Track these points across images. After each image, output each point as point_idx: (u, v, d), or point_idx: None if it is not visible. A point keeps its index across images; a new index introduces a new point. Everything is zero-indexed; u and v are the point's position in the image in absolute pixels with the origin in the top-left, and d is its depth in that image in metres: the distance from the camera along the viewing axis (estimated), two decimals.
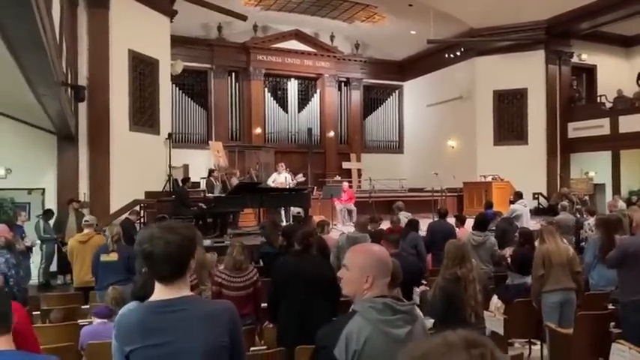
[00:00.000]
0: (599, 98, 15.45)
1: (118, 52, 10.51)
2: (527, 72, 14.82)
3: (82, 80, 9.80)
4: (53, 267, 9.34)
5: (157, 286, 1.65)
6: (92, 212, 9.89)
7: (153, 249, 1.60)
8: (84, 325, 4.36)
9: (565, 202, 9.28)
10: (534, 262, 4.67)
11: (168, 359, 1.58)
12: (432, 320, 4.03)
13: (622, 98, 14.20)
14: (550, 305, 4.50)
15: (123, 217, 9.18)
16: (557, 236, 4.79)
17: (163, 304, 1.61)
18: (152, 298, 1.65)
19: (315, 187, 13.34)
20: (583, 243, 7.28)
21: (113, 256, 5.64)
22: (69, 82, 8.21)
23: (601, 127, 14.11)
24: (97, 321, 4.19)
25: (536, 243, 5.90)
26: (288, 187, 11.13)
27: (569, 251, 4.76)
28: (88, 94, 9.67)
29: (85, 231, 6.46)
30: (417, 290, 4.10)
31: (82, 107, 9.92)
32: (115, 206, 9.99)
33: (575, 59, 15.49)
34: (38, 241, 8.75)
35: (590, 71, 16.36)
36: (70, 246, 6.56)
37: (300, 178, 12.23)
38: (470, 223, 7.62)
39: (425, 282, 5.17)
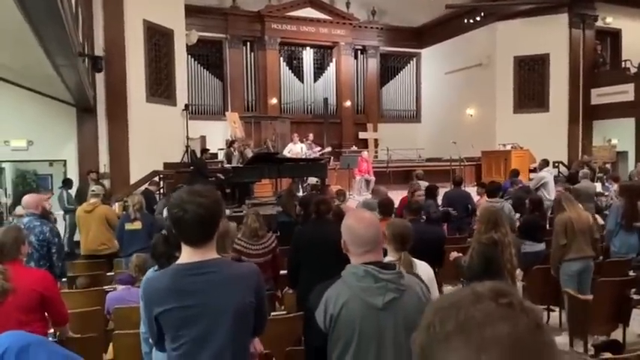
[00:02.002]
0: (623, 63, 14.95)
1: (132, 23, 10.46)
2: (550, 37, 14.38)
3: (99, 51, 9.81)
4: (76, 236, 9.59)
5: (186, 249, 1.68)
6: (112, 183, 10.10)
7: (184, 213, 1.62)
8: (109, 292, 4.49)
9: (586, 170, 9.11)
10: (555, 230, 4.62)
11: (199, 319, 1.62)
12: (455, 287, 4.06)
13: None
14: (570, 273, 4.48)
15: (142, 187, 9.31)
16: (576, 203, 4.73)
17: (193, 267, 1.65)
18: (181, 261, 1.69)
19: (332, 158, 13.32)
20: (606, 211, 7.17)
21: (137, 225, 5.77)
22: (85, 52, 8.23)
23: (625, 92, 13.71)
24: (120, 287, 4.31)
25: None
26: (305, 157, 11.14)
27: (590, 218, 4.70)
28: (104, 65, 9.69)
29: (92, 200, 6.53)
30: (452, 255, 4.11)
31: (100, 79, 9.97)
32: (134, 177, 10.14)
33: (599, 23, 14.95)
34: (60, 212, 8.96)
35: (614, 35, 15.80)
36: (77, 216, 6.66)
37: (327, 150, 12.34)
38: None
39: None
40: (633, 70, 14.10)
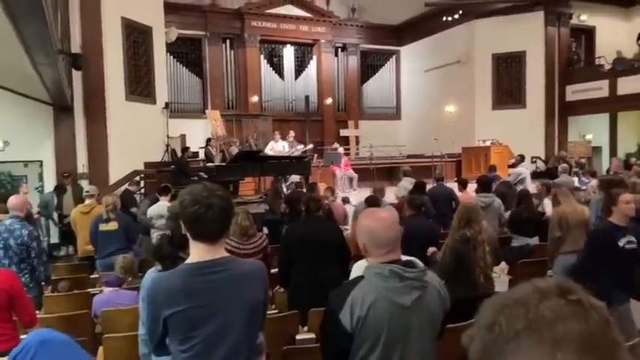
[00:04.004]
0: (597, 60, 15.33)
1: (110, 20, 10.26)
2: (526, 34, 14.64)
3: (76, 49, 9.60)
4: (54, 239, 9.41)
5: (199, 247, 1.66)
6: (91, 183, 9.88)
7: (206, 209, 1.61)
8: (95, 294, 4.41)
9: (565, 165, 9.31)
10: (550, 223, 4.71)
11: (213, 318, 1.61)
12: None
13: (621, 59, 14.11)
14: (565, 267, 4.56)
15: (122, 187, 9.17)
16: (571, 197, 4.82)
17: (207, 265, 1.63)
18: (192, 260, 1.67)
19: (315, 155, 13.32)
20: (584, 205, 7.33)
21: (112, 225, 5.65)
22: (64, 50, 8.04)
23: (599, 89, 14.05)
24: (107, 289, 4.23)
25: (545, 205, 5.96)
26: (287, 154, 11.11)
27: (585, 212, 4.80)
28: (82, 63, 9.50)
29: (87, 202, 6.47)
30: (429, 251, 4.15)
31: (77, 77, 9.76)
32: (114, 177, 9.96)
33: (574, 20, 15.28)
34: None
35: (589, 32, 16.17)
36: (72, 217, 6.59)
37: (309, 147, 12.32)
38: (471, 187, 7.69)
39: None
40: (607, 67, 14.46)
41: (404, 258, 2.97)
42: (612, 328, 0.60)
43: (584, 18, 15.48)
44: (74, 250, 7.38)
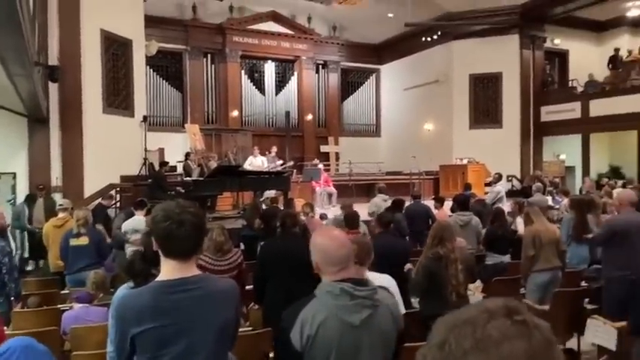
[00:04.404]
0: (570, 82, 15.79)
1: (89, 32, 10.18)
2: (502, 56, 15.01)
3: (53, 61, 9.49)
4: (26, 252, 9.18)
5: (170, 264, 1.64)
6: (65, 196, 9.69)
7: (178, 226, 1.60)
8: (65, 310, 4.31)
9: (539, 184, 9.51)
10: (524, 242, 4.79)
11: (182, 337, 1.58)
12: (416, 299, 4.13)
13: (593, 82, 14.54)
14: (539, 284, 4.64)
15: (96, 202, 9.01)
16: (543, 216, 4.93)
17: (178, 283, 1.61)
18: (163, 278, 1.65)
19: (295, 171, 13.33)
20: (557, 224, 7.49)
21: (83, 240, 5.55)
22: (41, 62, 7.95)
23: (572, 110, 14.45)
24: (77, 306, 4.14)
25: (517, 224, 6.06)
26: (266, 169, 11.10)
27: (556, 231, 4.90)
28: (59, 75, 9.39)
29: (60, 215, 6.35)
30: (406, 267, 4.18)
31: (53, 89, 9.62)
32: (89, 190, 9.79)
33: (548, 44, 15.76)
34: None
35: (562, 56, 16.68)
36: (45, 231, 6.44)
37: (289, 163, 12.32)
38: (448, 204, 7.79)
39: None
40: (580, 89, 14.90)
41: (377, 275, 3.00)
42: (555, 347, 0.63)
43: (557, 42, 15.98)
44: (45, 264, 7.19)
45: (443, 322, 0.68)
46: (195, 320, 1.60)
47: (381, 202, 8.17)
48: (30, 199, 8.84)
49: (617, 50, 15.32)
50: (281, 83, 17.84)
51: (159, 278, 1.65)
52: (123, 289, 2.36)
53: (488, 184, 12.08)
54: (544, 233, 4.68)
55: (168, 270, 1.65)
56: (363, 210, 7.39)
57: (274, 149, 12.61)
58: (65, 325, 3.93)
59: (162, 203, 1.71)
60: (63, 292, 5.48)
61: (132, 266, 2.43)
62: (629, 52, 15.55)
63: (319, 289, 1.75)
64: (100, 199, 8.70)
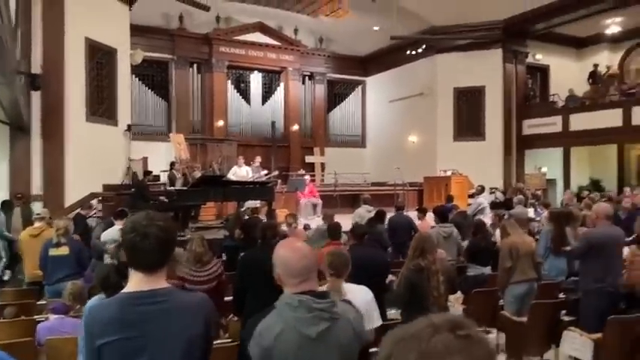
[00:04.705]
0: (551, 97, 16.09)
1: (73, 41, 10.13)
2: (485, 70, 15.24)
3: (36, 69, 9.41)
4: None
5: (137, 276, 1.64)
6: (46, 206, 9.56)
7: (142, 238, 1.59)
8: (40, 321, 4.24)
9: (521, 197, 9.63)
10: (501, 254, 4.84)
11: (146, 351, 1.57)
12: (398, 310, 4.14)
13: (573, 97, 14.84)
14: (515, 296, 4.68)
15: (76, 211, 8.90)
16: (519, 229, 4.99)
17: (145, 295, 1.60)
18: (130, 289, 1.64)
19: (279, 181, 13.32)
20: (538, 236, 7.59)
21: (63, 250, 5.48)
22: (22, 70, 7.89)
23: (554, 124, 14.71)
24: (53, 317, 4.08)
25: (497, 236, 6.12)
26: (251, 180, 11.07)
27: (532, 243, 4.97)
28: (42, 83, 9.32)
29: (37, 224, 6.27)
30: (388, 279, 4.20)
31: (36, 97, 9.53)
32: (71, 199, 9.68)
33: (530, 59, 16.04)
34: None
35: (544, 71, 17.00)
36: (21, 240, 6.34)
37: (274, 173, 12.28)
38: (431, 215, 7.85)
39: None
40: (560, 104, 15.19)
41: (353, 286, 3.01)
42: None
43: (539, 57, 16.29)
44: (21, 273, 7.05)
45: (390, 335, 0.70)
46: (160, 334, 1.58)
47: (365, 212, 8.19)
48: (7, 207, 8.68)
49: (596, 66, 15.69)
50: (267, 94, 17.89)
51: (126, 290, 1.64)
52: (94, 300, 2.34)
53: (471, 196, 12.19)
54: (520, 245, 4.74)
55: (136, 282, 1.64)
56: (347, 221, 7.40)
57: (258, 159, 12.59)
58: (40, 336, 3.87)
59: (135, 214, 1.71)
60: (40, 302, 5.39)
61: (106, 280, 2.41)
62: (608, 68, 15.94)
63: (279, 301, 1.75)
64: (79, 209, 8.59)
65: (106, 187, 10.61)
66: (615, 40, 16.36)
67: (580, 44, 16.91)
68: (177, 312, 1.62)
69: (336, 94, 19.75)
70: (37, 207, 9.46)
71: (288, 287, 1.77)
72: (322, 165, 18.22)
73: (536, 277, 4.80)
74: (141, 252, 1.60)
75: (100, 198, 10.14)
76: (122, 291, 1.66)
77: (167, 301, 1.61)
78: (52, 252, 5.47)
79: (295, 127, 17.97)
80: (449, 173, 14.10)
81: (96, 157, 10.29)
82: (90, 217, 8.81)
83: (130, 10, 12.20)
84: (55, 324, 3.98)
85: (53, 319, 4.04)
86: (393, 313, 5.09)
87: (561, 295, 5.11)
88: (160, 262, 1.65)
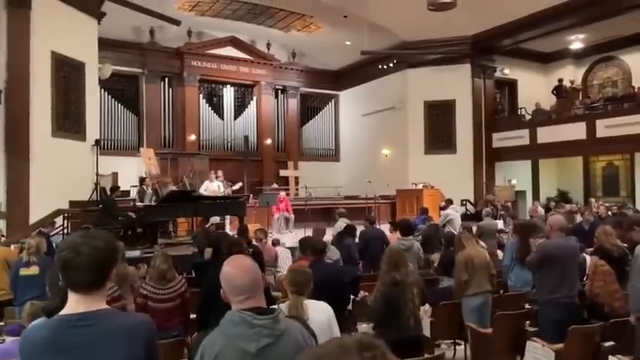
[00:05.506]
0: (519, 110, 16.50)
1: (39, 54, 9.94)
2: (455, 84, 15.54)
3: (0, 83, 9.19)
4: None
5: (73, 297, 1.58)
6: (9, 223, 9.30)
7: (74, 255, 1.54)
8: None
9: (489, 209, 9.79)
10: (457, 266, 4.88)
11: None
12: (369, 325, 4.12)
13: (540, 111, 15.25)
14: (471, 308, 4.72)
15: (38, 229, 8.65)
16: (474, 241, 5.05)
17: (79, 318, 1.54)
18: (65, 312, 1.58)
19: (252, 195, 13.24)
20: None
21: (33, 270, 5.33)
22: None
23: (522, 137, 15.06)
24: (10, 339, 3.93)
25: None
26: (222, 195, 10.97)
27: (487, 255, 5.04)
28: (5, 97, 9.13)
29: None
30: (360, 295, 4.19)
31: None
32: (35, 216, 9.41)
33: (498, 73, 16.45)
34: None
35: (511, 85, 17.44)
36: None
37: (237, 186, 12.09)
38: None
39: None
40: (528, 117, 15.59)
41: (313, 302, 2.99)
42: None
43: (507, 72, 16.72)
44: None
45: (304, 357, 0.69)
46: (95, 357, 1.53)
47: (344, 225, 8.17)
48: None
49: (560, 80, 16.18)
50: (240, 108, 17.86)
51: (63, 312, 1.58)
52: (34, 323, 2.25)
53: (443, 209, 12.33)
54: (476, 258, 4.80)
55: (71, 304, 1.58)
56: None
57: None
58: None
59: (75, 233, 1.66)
60: None
61: (61, 304, 2.30)
62: (572, 82, 16.46)
63: (223, 319, 1.75)
64: (40, 227, 8.34)
65: (73, 204, 10.36)
66: (579, 56, 16.94)
67: (546, 59, 17.44)
68: (113, 335, 1.56)
69: (310, 108, 19.85)
70: (1, 224, 9.20)
71: (234, 304, 1.78)
72: (296, 179, 18.20)
73: (491, 290, 4.86)
74: (72, 270, 1.55)
75: (67, 215, 9.89)
76: (59, 313, 1.60)
77: (99, 324, 1.55)
78: (22, 272, 5.33)
79: (268, 141, 17.96)
80: (420, 186, 14.26)
81: (62, 172, 10.06)
82: (53, 235, 8.56)
83: (99, 24, 12.07)
84: (12, 347, 3.83)
85: (9, 342, 3.90)
86: (364, 327, 5.09)
87: (527, 306, 5.18)
88: (95, 283, 1.59)
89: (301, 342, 1.79)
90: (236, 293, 1.77)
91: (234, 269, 1.81)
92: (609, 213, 10.01)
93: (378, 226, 8.63)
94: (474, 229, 7.74)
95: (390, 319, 3.73)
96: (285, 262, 6.90)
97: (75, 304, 1.57)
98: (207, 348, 1.70)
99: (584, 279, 5.31)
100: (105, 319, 1.57)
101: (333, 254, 5.99)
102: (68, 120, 10.89)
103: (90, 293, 1.57)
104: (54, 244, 7.71)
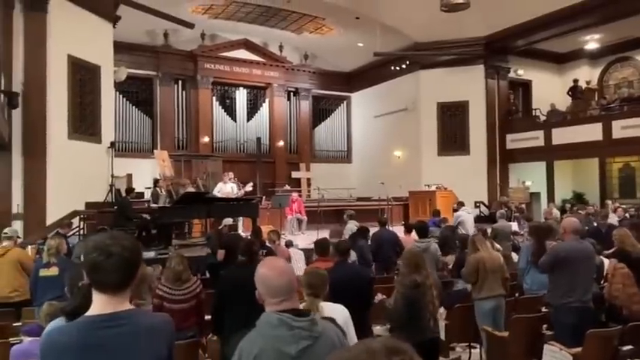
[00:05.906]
0: (534, 111, 16.33)
1: (56, 58, 10.09)
2: (468, 85, 15.44)
3: (17, 86, 9.34)
4: None
5: (100, 298, 1.59)
6: (26, 224, 9.43)
7: (106, 257, 1.55)
8: (14, 344, 4.13)
9: (503, 211, 9.70)
10: (466, 269, 4.84)
11: None
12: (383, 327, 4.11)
13: (555, 112, 15.08)
14: (484, 312, 4.68)
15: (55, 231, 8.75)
16: (487, 244, 4.99)
17: (106, 319, 1.55)
18: (92, 312, 1.59)
19: (264, 197, 13.27)
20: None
21: (53, 271, 5.38)
22: (2, 88, 7.81)
23: (536, 138, 14.89)
24: (28, 339, 3.98)
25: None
26: (235, 196, 11.01)
27: (500, 258, 4.98)
28: (23, 100, 9.24)
29: (4, 243, 6.11)
30: (377, 298, 4.17)
31: (17, 114, 9.42)
32: (52, 217, 9.54)
33: (512, 74, 16.29)
34: None
35: (525, 86, 17.27)
36: None
37: (249, 187, 12.12)
38: None
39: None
40: (542, 118, 15.42)
41: (329, 305, 2.98)
42: None
43: (521, 72, 16.56)
44: None
45: (329, 359, 0.69)
46: (122, 357, 1.54)
47: (355, 227, 8.17)
48: None
49: (575, 81, 15.99)
50: (252, 110, 17.94)
51: (88, 313, 1.60)
52: (54, 323, 2.27)
53: (455, 211, 12.25)
54: (488, 261, 4.75)
55: (98, 304, 1.59)
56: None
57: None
58: (14, 359, 3.76)
59: (96, 234, 1.68)
60: (15, 324, 5.27)
61: (82, 305, 2.30)
62: (587, 83, 16.26)
63: (259, 320, 1.75)
64: (57, 228, 8.45)
65: (89, 205, 10.49)
66: (594, 56, 16.73)
67: (560, 60, 17.25)
68: (139, 335, 1.58)
69: (322, 110, 19.86)
70: (18, 225, 9.32)
71: (269, 306, 1.78)
72: (308, 180, 18.22)
73: (503, 294, 4.80)
74: (103, 272, 1.56)
75: (83, 216, 10.01)
76: (84, 314, 1.61)
77: (127, 324, 1.57)
78: (42, 273, 5.38)
79: (281, 143, 18.00)
80: (433, 188, 14.17)
81: (78, 174, 10.19)
82: (70, 236, 8.67)
83: (115, 27, 12.21)
84: (31, 347, 3.87)
85: (27, 342, 3.94)
86: (378, 329, 5.07)
87: (543, 309, 5.11)
88: (124, 283, 1.61)
89: (337, 343, 1.80)
90: (273, 295, 1.76)
91: (270, 270, 1.81)
92: (627, 215, 9.86)
93: (390, 228, 8.61)
94: (489, 231, 7.69)
95: (411, 321, 3.72)
96: (298, 263, 6.90)
97: (102, 304, 1.58)
98: (245, 350, 1.69)
99: (602, 282, 5.23)
100: (131, 319, 1.58)
101: (351, 256, 5.97)
102: (84, 122, 11.04)
103: (117, 294, 1.59)
104: (71, 245, 7.85)
